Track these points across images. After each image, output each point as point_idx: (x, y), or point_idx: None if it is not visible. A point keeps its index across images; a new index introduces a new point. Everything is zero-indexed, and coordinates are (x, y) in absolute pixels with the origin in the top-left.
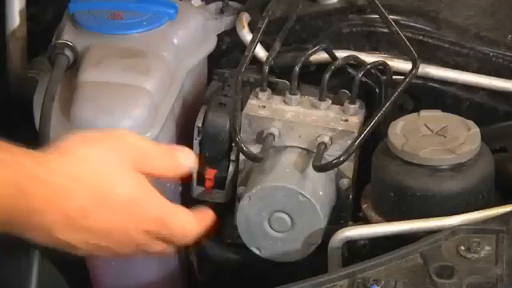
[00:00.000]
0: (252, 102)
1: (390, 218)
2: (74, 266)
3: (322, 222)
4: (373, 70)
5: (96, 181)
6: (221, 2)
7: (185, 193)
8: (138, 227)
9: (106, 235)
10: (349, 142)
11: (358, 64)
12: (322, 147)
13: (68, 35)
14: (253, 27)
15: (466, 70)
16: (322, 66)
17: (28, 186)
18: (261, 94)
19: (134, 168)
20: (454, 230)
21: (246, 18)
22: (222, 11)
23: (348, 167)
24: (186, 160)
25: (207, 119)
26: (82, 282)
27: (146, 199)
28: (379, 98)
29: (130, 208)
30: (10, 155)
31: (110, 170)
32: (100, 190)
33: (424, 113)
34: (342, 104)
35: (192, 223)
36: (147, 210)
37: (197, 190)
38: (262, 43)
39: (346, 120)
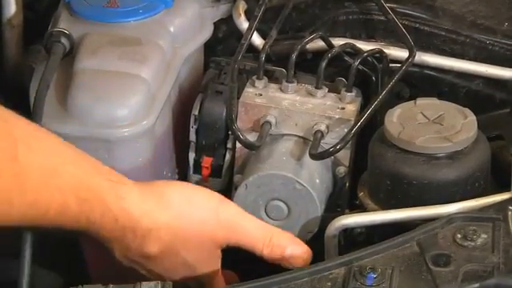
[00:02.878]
0: (248, 90)
1: (386, 206)
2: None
3: (318, 210)
4: (369, 58)
5: (171, 239)
6: None
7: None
8: (187, 278)
9: (160, 274)
10: (345, 130)
11: (355, 52)
12: (319, 135)
13: (64, 23)
14: (249, 15)
15: (463, 58)
16: (318, 54)
17: (103, 223)
18: (257, 82)
19: (215, 245)
20: (450, 218)
21: (242, 5)
22: None
23: (344, 155)
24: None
25: (204, 107)
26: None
27: (200, 266)
28: (376, 85)
29: (185, 268)
30: (92, 192)
31: (187, 240)
32: (170, 249)
33: (420, 101)
34: (338, 92)
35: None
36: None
37: (193, 178)
38: (258, 31)
39: (343, 108)
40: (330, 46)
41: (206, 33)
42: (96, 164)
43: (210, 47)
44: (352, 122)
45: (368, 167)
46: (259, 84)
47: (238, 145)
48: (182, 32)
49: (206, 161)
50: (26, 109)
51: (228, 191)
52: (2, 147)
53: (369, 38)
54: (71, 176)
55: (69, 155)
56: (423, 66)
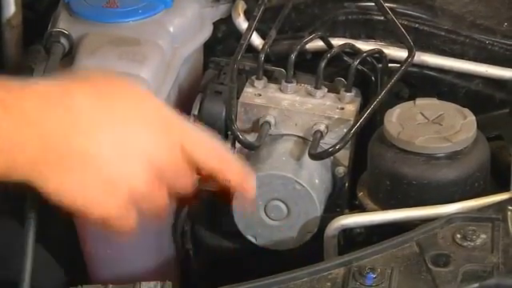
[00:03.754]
0: (248, 91)
1: (385, 206)
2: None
3: (317, 210)
4: (369, 58)
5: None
6: None
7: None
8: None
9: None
10: (345, 130)
11: (354, 52)
12: (318, 135)
13: (63, 23)
14: (249, 15)
15: (462, 58)
16: (317, 54)
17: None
18: (257, 83)
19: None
20: (449, 218)
21: (241, 5)
22: None
23: (344, 155)
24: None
25: (203, 107)
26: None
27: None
28: (375, 86)
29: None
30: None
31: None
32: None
33: (420, 101)
34: (337, 92)
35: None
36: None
37: None
38: (257, 31)
39: (342, 108)
40: (330, 46)
41: (206, 33)
42: None
43: (209, 47)
44: (351, 122)
45: (367, 167)
46: (258, 84)
47: (238, 145)
48: (182, 32)
49: None
50: None
51: (227, 191)
52: None
53: (368, 38)
54: None
55: None
56: (423, 66)
